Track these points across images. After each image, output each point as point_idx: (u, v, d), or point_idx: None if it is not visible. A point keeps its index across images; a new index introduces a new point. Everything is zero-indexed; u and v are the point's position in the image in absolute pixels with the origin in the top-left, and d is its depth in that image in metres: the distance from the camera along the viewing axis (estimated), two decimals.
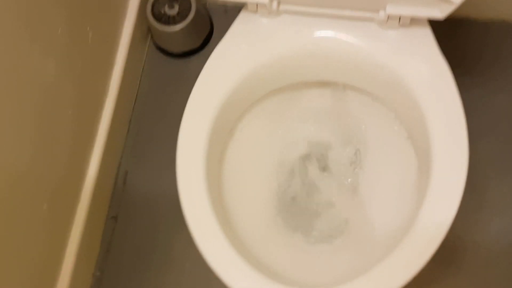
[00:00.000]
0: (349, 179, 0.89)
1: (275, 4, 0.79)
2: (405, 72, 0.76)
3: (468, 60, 1.11)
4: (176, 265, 1.07)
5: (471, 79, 1.09)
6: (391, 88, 0.79)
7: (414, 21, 0.76)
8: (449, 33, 1.07)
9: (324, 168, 0.91)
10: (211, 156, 0.75)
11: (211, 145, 0.75)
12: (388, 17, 0.75)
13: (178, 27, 1.11)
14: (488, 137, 1.06)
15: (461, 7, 0.72)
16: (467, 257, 1.01)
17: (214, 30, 1.21)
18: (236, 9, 0.85)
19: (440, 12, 0.73)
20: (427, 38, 0.77)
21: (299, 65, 0.82)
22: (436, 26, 0.80)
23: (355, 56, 0.80)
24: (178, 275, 1.07)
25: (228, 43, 0.81)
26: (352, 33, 0.79)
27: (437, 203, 0.69)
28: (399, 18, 0.76)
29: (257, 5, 0.79)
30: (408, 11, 0.74)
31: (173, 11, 1.12)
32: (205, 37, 1.19)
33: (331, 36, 0.80)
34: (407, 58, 0.76)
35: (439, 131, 0.72)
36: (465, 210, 0.72)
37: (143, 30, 1.18)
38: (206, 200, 0.72)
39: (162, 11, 1.12)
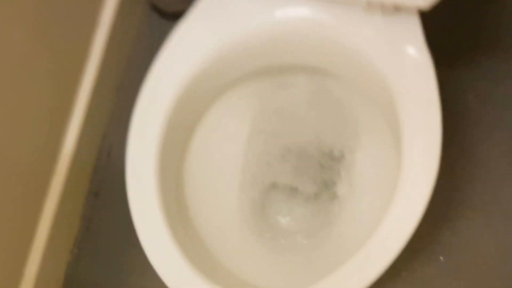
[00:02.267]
0: (326, 180, 0.80)
1: None
2: (381, 61, 0.67)
3: None
4: None
5: None
6: (365, 76, 0.71)
7: (400, 9, 0.69)
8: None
9: (298, 167, 0.82)
10: (167, 152, 0.67)
11: (167, 141, 0.66)
12: (368, 3, 0.68)
13: None
14: None
15: None
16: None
17: None
18: None
19: (424, 2, 0.65)
20: (413, 28, 0.68)
21: (268, 46, 0.72)
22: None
23: (329, 39, 0.70)
24: None
25: (190, 22, 0.72)
26: (332, 14, 0.70)
27: (405, 201, 0.62)
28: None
29: None
30: None
31: None
32: None
33: (307, 16, 0.70)
34: (387, 47, 0.67)
35: (410, 126, 0.64)
36: None
37: None
38: (156, 201, 0.64)
39: None
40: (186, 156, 0.76)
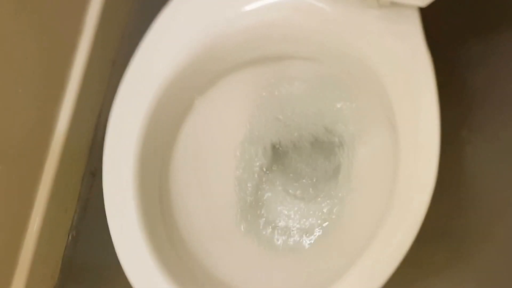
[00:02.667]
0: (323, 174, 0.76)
1: None
2: (375, 55, 0.62)
3: None
4: None
5: None
6: (358, 68, 0.66)
7: (397, 4, 0.63)
8: None
9: (295, 156, 0.78)
10: (151, 144, 0.63)
11: (150, 133, 0.62)
12: None
13: None
14: None
15: None
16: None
17: None
18: None
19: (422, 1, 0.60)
20: (411, 24, 0.62)
21: (259, 35, 0.68)
22: None
23: (323, 30, 0.65)
24: None
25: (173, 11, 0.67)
26: (327, 4, 0.64)
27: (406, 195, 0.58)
28: None
29: None
30: None
31: None
32: None
33: (300, 5, 0.65)
34: (382, 40, 0.62)
35: (404, 121, 0.59)
36: None
37: None
38: (134, 203, 0.60)
39: None
40: (174, 148, 0.71)
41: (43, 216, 0.90)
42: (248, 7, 0.66)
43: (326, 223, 0.73)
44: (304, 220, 0.75)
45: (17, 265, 0.87)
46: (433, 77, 0.60)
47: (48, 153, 0.91)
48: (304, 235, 0.73)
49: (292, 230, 0.75)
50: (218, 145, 0.75)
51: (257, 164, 0.78)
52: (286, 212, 0.76)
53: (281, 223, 0.76)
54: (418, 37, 0.61)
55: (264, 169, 0.79)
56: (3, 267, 0.85)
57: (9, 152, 0.82)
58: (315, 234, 0.73)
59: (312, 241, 0.73)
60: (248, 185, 0.77)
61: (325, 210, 0.74)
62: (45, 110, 0.89)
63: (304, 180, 0.79)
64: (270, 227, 0.76)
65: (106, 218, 0.98)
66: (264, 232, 0.75)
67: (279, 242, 0.74)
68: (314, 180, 0.78)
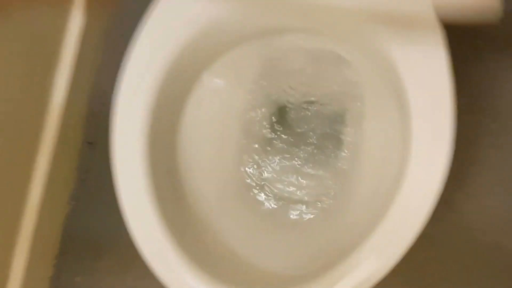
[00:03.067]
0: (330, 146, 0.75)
1: None
2: (386, 34, 0.59)
3: None
4: None
5: None
6: (367, 45, 0.63)
7: None
8: None
9: (299, 131, 0.77)
10: (160, 117, 0.61)
11: (159, 106, 0.61)
12: None
13: None
14: None
15: None
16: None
17: None
18: None
19: None
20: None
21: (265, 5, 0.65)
22: None
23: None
24: None
25: None
26: None
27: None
28: None
29: None
30: None
31: None
32: None
33: None
34: (395, 19, 0.59)
35: (417, 102, 0.57)
36: None
37: None
38: (143, 171, 0.59)
39: None
40: (182, 120, 0.70)
41: (43, 187, 0.90)
42: None
43: (332, 193, 0.72)
44: (309, 191, 0.75)
45: (19, 237, 0.88)
46: (446, 52, 0.58)
47: (45, 125, 0.90)
48: (308, 207, 0.73)
49: (296, 202, 0.75)
50: (225, 114, 0.74)
51: (263, 132, 0.77)
52: (290, 183, 0.76)
53: (286, 194, 0.76)
54: (430, 11, 0.58)
55: (270, 137, 0.78)
56: (4, 240, 0.86)
57: (4, 124, 0.81)
58: (318, 206, 0.73)
59: (315, 214, 0.72)
60: (254, 156, 0.76)
61: (330, 182, 0.74)
62: (40, 80, 0.89)
63: (309, 151, 0.78)
64: (273, 198, 0.76)
65: (105, 188, 0.98)
66: (267, 203, 0.75)
67: (288, 215, 0.73)
68: (319, 152, 0.78)
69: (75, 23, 0.93)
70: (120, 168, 0.60)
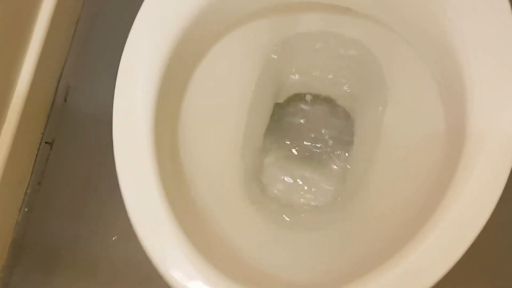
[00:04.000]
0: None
1: None
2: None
3: None
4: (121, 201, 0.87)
5: None
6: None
7: None
8: None
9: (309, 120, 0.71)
10: (166, 92, 0.53)
11: (165, 80, 0.52)
12: None
13: None
14: None
15: None
16: None
17: None
18: None
19: None
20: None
21: None
22: None
23: None
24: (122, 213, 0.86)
25: None
26: None
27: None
28: None
29: None
30: None
31: None
32: None
33: None
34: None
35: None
36: None
37: None
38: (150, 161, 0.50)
39: None
40: (186, 96, 0.61)
41: None
42: None
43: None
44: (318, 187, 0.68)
45: None
46: None
47: (5, 119, 0.81)
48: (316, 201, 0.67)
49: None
50: (230, 94, 0.65)
51: (267, 119, 0.71)
52: (297, 175, 0.70)
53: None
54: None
55: (275, 123, 0.72)
56: None
57: None
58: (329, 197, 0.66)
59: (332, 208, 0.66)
60: (256, 143, 0.69)
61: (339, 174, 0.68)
62: (3, 71, 0.79)
63: (318, 143, 0.72)
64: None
65: (63, 194, 0.89)
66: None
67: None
68: (330, 143, 0.72)
69: (44, 13, 0.84)
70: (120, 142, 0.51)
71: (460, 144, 0.46)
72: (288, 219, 0.65)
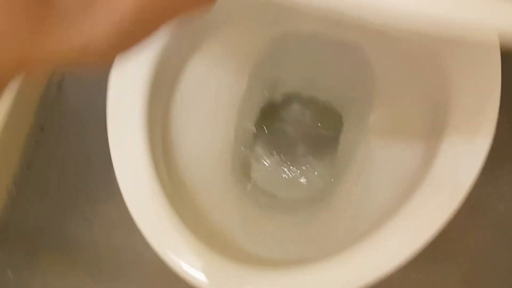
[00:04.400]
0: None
1: None
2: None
3: None
4: (112, 190, 0.87)
5: None
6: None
7: None
8: None
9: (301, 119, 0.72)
10: (158, 82, 0.54)
11: (159, 70, 0.54)
12: None
13: None
14: None
15: None
16: None
17: None
18: None
19: None
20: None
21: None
22: None
23: None
24: (114, 202, 0.87)
25: None
26: None
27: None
28: None
29: None
30: None
31: None
32: None
33: None
34: None
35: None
36: None
37: None
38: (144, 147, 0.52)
39: None
40: (177, 86, 0.62)
41: None
42: None
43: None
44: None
45: None
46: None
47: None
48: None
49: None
50: (221, 88, 0.66)
51: (256, 119, 0.73)
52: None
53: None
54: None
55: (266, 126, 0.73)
56: None
57: None
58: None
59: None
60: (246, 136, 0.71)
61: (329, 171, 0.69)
62: None
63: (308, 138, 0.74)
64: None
65: (52, 179, 0.90)
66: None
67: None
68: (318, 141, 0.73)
69: None
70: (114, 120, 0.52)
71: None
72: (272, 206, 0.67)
